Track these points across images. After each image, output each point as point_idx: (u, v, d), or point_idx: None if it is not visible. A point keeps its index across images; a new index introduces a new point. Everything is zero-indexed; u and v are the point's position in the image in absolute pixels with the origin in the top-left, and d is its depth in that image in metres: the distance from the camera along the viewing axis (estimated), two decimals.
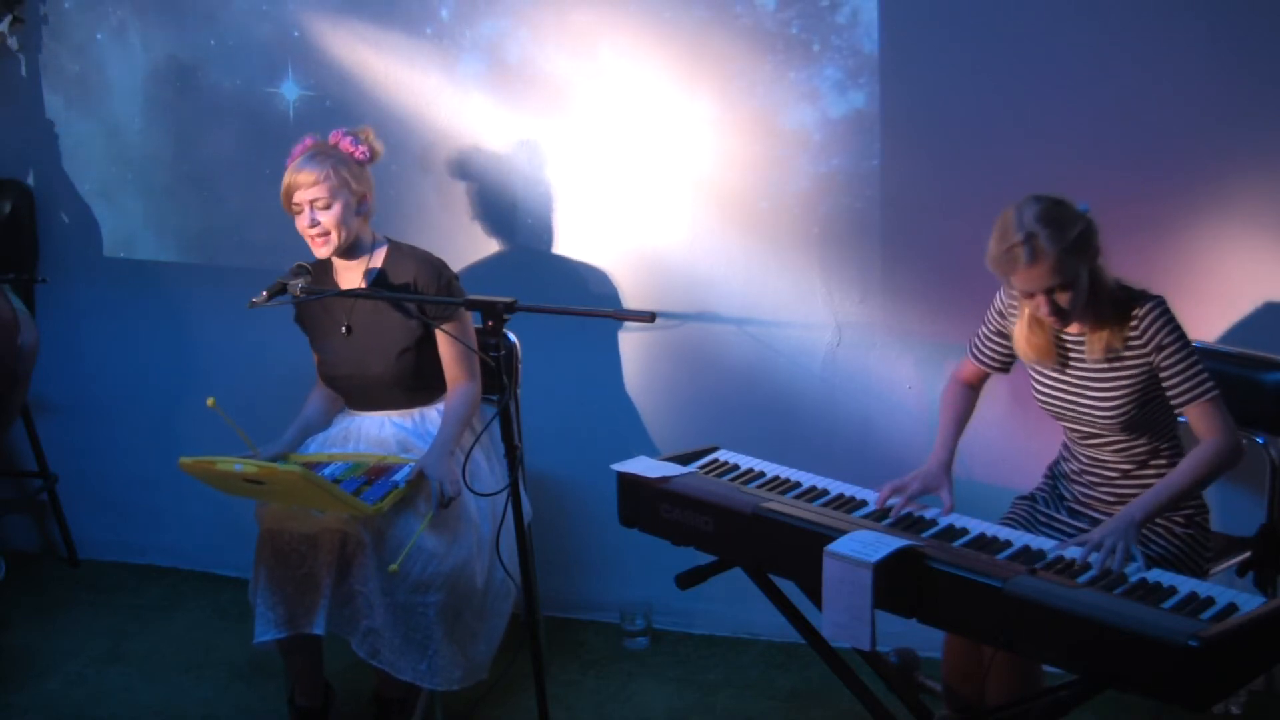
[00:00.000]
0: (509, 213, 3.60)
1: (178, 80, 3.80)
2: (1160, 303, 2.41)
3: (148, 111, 3.86)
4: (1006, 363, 2.69)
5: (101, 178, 3.98)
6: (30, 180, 4.03)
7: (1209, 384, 2.38)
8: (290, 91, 3.69)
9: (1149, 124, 3.07)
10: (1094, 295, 2.40)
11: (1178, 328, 2.40)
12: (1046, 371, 2.56)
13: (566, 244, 3.58)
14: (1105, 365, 2.45)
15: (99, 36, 3.84)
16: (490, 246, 3.64)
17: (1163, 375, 2.40)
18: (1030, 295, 2.38)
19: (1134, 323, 2.41)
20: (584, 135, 3.49)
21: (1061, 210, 2.34)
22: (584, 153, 3.51)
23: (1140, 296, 2.42)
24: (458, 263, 3.42)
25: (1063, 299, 2.36)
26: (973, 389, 2.77)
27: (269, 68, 3.69)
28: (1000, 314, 2.63)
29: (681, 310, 3.50)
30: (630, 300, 3.54)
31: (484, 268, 3.61)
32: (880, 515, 2.47)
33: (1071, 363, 2.51)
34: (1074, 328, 2.49)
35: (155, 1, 3.78)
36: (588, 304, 3.48)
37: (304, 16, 3.63)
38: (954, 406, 2.74)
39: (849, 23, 3.23)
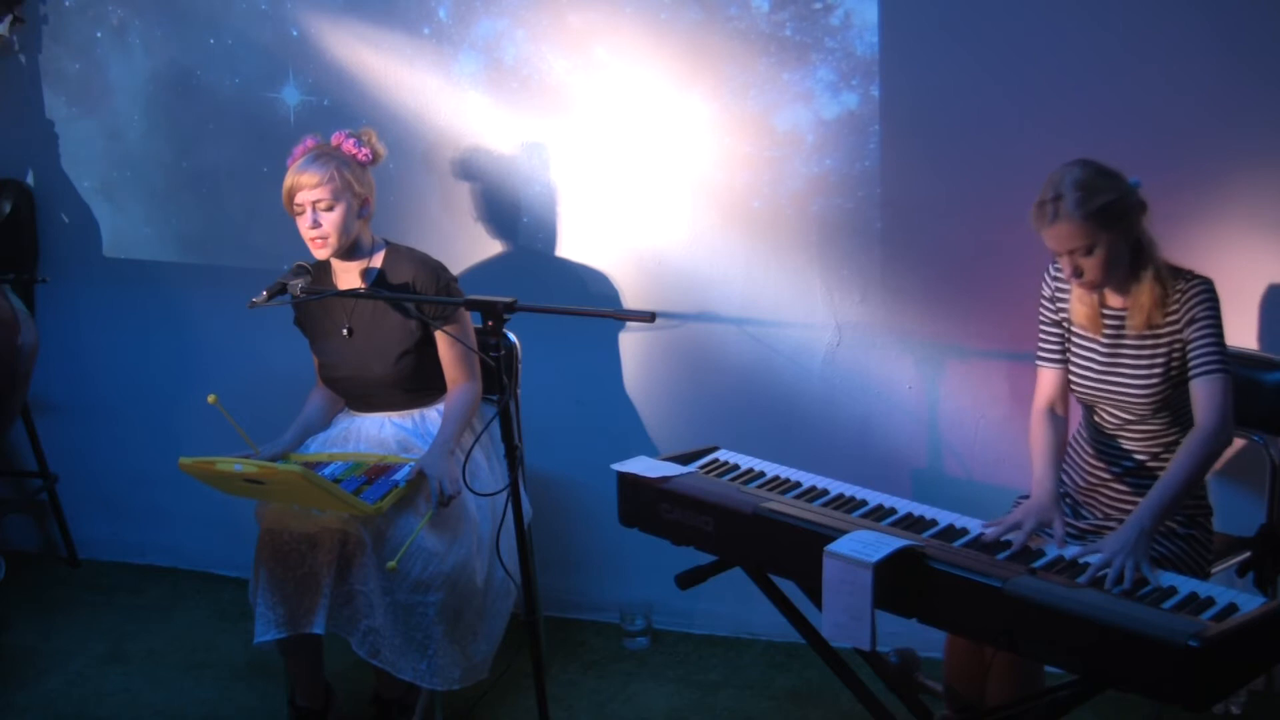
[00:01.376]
0: (508, 213, 3.61)
1: (177, 80, 3.80)
2: (1206, 282, 2.44)
3: (148, 111, 3.86)
4: (1066, 354, 2.64)
5: (102, 177, 3.98)
6: (30, 180, 4.03)
7: (1224, 364, 2.40)
8: (289, 91, 3.69)
9: (1148, 123, 3.07)
10: (1136, 268, 2.43)
11: (1214, 307, 2.42)
12: (1086, 349, 2.56)
13: (566, 244, 3.58)
14: (1144, 341, 2.47)
15: (99, 35, 3.85)
16: (490, 247, 3.64)
17: (1187, 347, 2.42)
18: (1058, 254, 2.44)
19: (1176, 296, 2.43)
20: (581, 136, 3.49)
21: (1100, 180, 2.38)
22: (582, 153, 3.51)
23: (1187, 275, 2.45)
24: (458, 264, 3.42)
25: (1084, 264, 2.40)
26: (1054, 414, 2.63)
27: (268, 67, 3.69)
28: (1050, 300, 2.63)
29: (681, 310, 3.51)
30: (630, 300, 3.54)
31: (484, 268, 3.62)
32: (880, 515, 2.47)
33: (1111, 338, 2.52)
34: (1116, 301, 2.51)
35: (155, 1, 3.78)
36: (588, 304, 3.48)
37: (303, 16, 3.63)
38: (1040, 439, 2.60)
39: (842, 24, 3.24)
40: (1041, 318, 2.66)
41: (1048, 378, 2.66)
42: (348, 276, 3.00)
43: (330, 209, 2.88)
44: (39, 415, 4.06)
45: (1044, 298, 2.65)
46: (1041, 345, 2.66)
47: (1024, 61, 3.14)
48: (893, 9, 3.20)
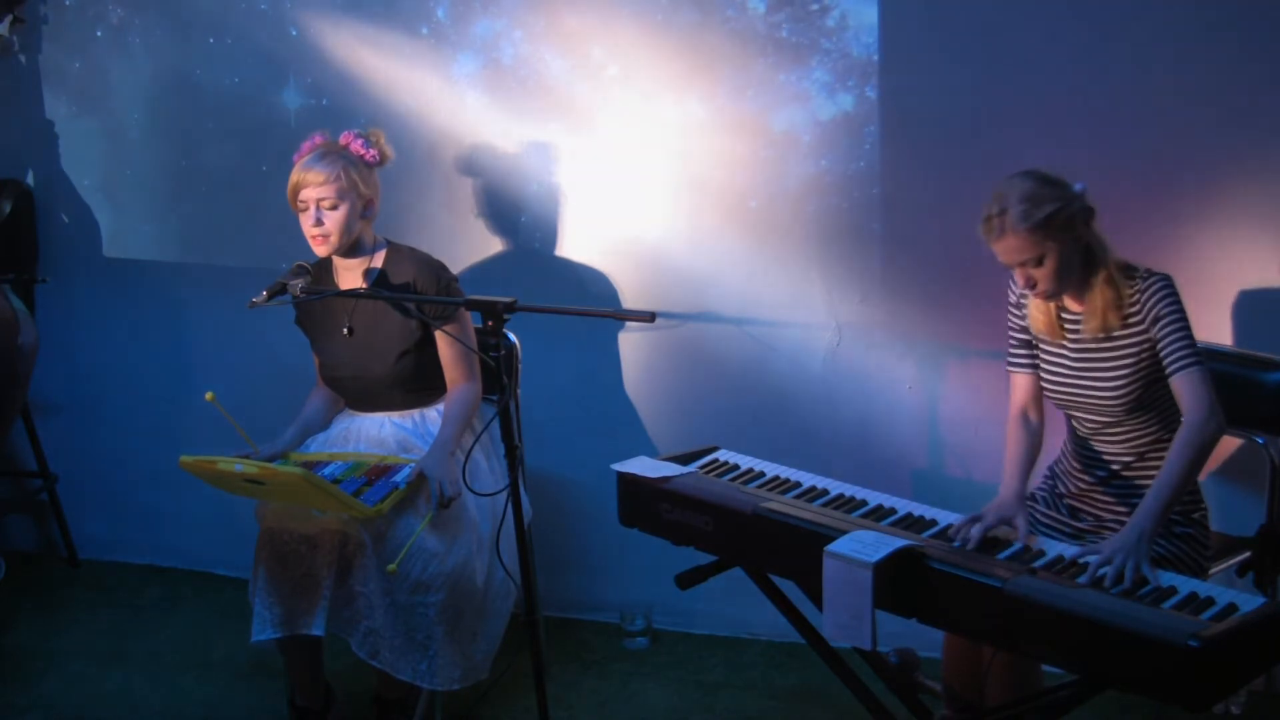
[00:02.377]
0: (507, 213, 3.61)
1: (177, 80, 3.80)
2: (1163, 279, 2.43)
3: (148, 111, 3.87)
4: (1036, 359, 2.64)
5: (102, 177, 3.98)
6: (30, 180, 4.03)
7: (1197, 356, 2.39)
8: (288, 91, 3.69)
9: (1148, 124, 3.07)
10: (1089, 273, 2.43)
11: (1177, 302, 2.41)
12: (1053, 355, 2.56)
13: (566, 244, 3.58)
14: (1108, 344, 2.46)
15: (99, 35, 3.85)
16: (489, 247, 3.64)
17: (1158, 347, 2.41)
18: (1009, 266, 2.44)
19: (1134, 296, 2.43)
20: (579, 136, 3.50)
21: (1044, 189, 2.37)
22: (580, 153, 3.51)
23: (1144, 273, 2.44)
24: (457, 264, 3.42)
25: (1036, 274, 2.40)
26: (1030, 420, 2.63)
27: (268, 67, 3.70)
28: (1015, 306, 2.63)
29: (681, 310, 3.51)
30: (630, 300, 3.54)
31: (484, 268, 3.62)
32: (880, 515, 2.47)
33: (1076, 343, 2.52)
34: (1076, 305, 2.50)
35: (154, 1, 3.78)
36: (588, 304, 3.48)
37: (302, 16, 3.63)
38: (1015, 445, 2.60)
39: (838, 26, 3.24)
40: (1009, 323, 2.66)
41: (1020, 382, 2.66)
42: (349, 275, 3.00)
43: (334, 208, 2.88)
44: (39, 415, 4.05)
45: (1010, 304, 2.65)
46: (1011, 350, 2.67)
47: (1023, 62, 3.14)
48: (891, 10, 3.21)
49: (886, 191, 3.28)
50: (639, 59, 3.39)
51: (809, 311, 3.41)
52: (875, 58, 3.24)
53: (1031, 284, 2.43)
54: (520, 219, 3.60)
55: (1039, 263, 2.39)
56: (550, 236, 3.58)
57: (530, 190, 3.56)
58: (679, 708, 3.24)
